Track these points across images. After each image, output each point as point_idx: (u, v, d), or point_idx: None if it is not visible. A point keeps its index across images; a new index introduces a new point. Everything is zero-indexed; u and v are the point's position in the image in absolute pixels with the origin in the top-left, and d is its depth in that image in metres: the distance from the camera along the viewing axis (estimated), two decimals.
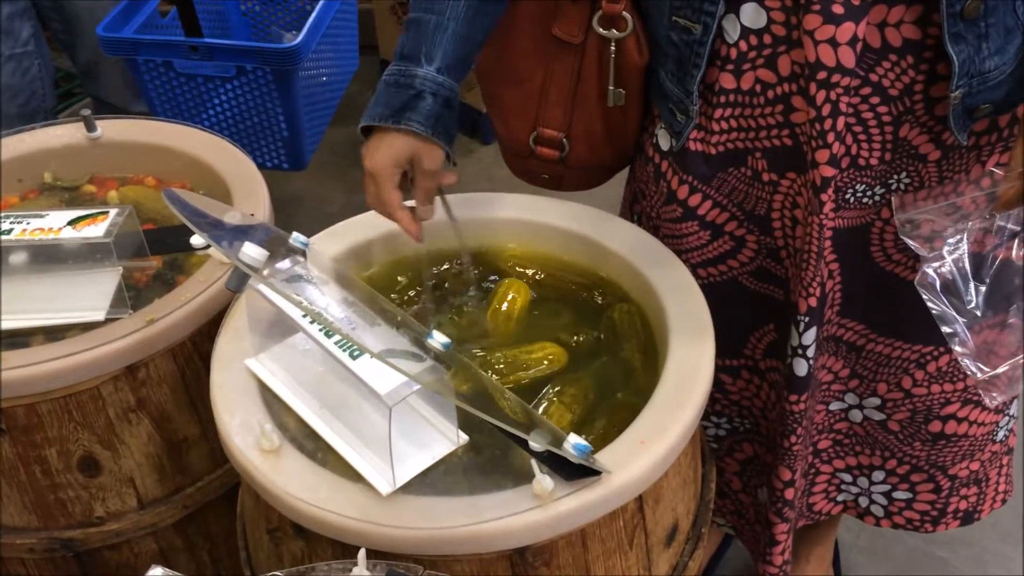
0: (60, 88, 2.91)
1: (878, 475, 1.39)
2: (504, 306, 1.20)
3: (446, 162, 1.14)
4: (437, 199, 1.20)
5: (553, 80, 1.23)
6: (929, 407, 1.30)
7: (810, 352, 1.21)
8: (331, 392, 1.05)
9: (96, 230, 1.24)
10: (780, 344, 1.27)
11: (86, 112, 1.51)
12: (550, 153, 1.28)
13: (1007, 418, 1.36)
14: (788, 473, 1.31)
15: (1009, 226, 1.08)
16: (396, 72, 1.10)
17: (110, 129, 1.53)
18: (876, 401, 1.32)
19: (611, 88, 1.20)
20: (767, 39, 1.07)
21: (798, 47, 1.05)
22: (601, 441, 1.01)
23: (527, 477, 0.94)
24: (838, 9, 1.00)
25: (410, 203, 1.15)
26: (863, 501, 1.43)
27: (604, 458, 0.96)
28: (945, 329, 1.08)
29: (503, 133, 1.31)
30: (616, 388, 1.11)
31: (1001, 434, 1.37)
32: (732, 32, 1.08)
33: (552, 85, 1.23)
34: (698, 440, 1.16)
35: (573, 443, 0.92)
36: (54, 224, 1.26)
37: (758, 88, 1.10)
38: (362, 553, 0.87)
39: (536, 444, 0.94)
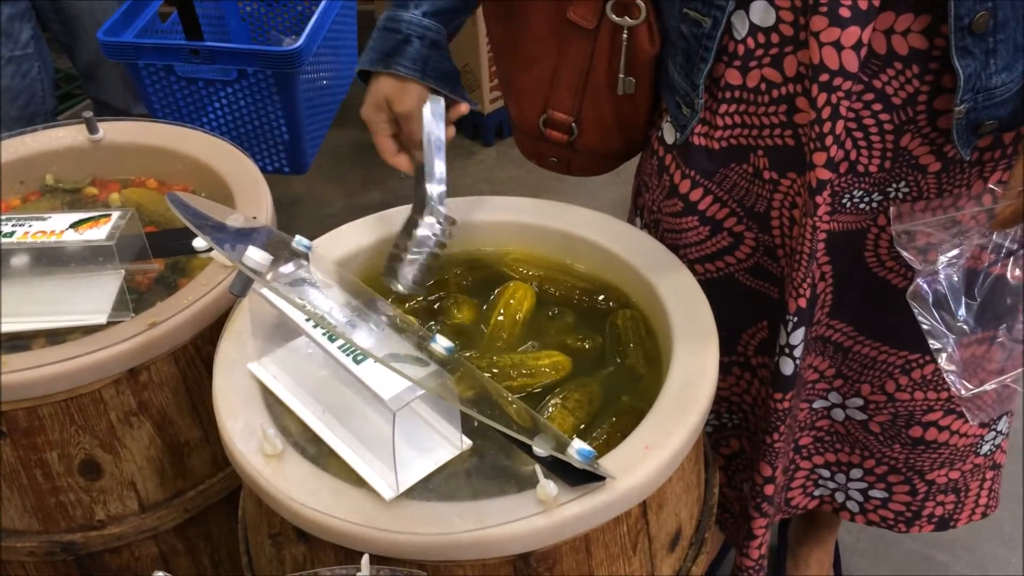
0: (60, 89, 2.91)
1: (856, 472, 1.40)
2: (509, 310, 1.20)
3: (458, 94, 1.20)
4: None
5: (565, 64, 1.23)
6: (911, 412, 1.30)
7: (797, 352, 1.21)
8: (334, 396, 1.05)
9: (98, 233, 1.24)
10: (772, 341, 1.27)
11: (88, 114, 1.51)
12: (559, 136, 1.28)
13: (993, 433, 1.35)
14: (769, 469, 1.31)
15: (1007, 244, 1.07)
16: (387, 17, 1.16)
17: (112, 131, 1.52)
18: (859, 402, 1.32)
19: (621, 76, 1.20)
20: (775, 38, 1.07)
21: (804, 48, 1.05)
22: (605, 446, 1.01)
23: (531, 482, 0.94)
24: (845, 12, 1.00)
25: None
26: (839, 496, 1.44)
27: (608, 463, 0.95)
28: (933, 344, 1.07)
29: (515, 114, 1.32)
30: (620, 394, 1.11)
31: (986, 448, 1.36)
32: (741, 28, 1.08)
33: (564, 69, 1.23)
34: (701, 445, 1.16)
35: (577, 448, 0.92)
36: (56, 227, 1.25)
37: (763, 87, 1.10)
38: (365, 558, 0.87)
39: (540, 449, 0.94)
